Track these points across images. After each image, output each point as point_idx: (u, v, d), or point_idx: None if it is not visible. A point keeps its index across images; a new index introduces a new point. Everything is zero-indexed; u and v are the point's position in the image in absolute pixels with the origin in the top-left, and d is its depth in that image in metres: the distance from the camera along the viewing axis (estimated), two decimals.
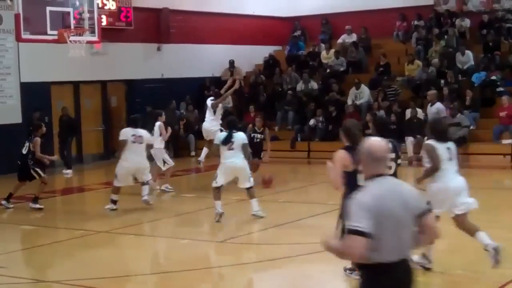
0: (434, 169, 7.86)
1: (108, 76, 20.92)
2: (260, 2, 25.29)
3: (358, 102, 20.44)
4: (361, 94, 20.58)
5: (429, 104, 16.92)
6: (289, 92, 21.84)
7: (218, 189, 11.14)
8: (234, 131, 11.13)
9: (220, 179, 11.10)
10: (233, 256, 9.57)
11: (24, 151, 12.72)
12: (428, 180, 8.07)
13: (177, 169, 19.53)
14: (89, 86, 20.80)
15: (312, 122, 20.31)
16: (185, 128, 21.37)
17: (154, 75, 22.01)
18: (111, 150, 18.81)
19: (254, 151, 13.53)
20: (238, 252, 9.80)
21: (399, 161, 7.44)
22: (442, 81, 20.06)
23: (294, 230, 10.81)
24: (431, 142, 8.04)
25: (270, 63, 24.51)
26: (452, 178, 8.01)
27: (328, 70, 22.89)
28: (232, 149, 10.96)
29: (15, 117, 18.32)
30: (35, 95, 18.52)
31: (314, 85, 22.04)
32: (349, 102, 20.52)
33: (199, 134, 21.54)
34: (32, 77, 18.65)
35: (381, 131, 7.62)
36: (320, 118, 20.16)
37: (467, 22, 22.42)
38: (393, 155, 7.26)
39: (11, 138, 17.38)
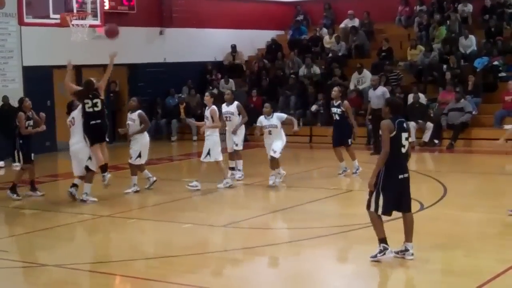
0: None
1: None
2: None
3: (360, 87, 20.43)
4: (364, 79, 20.56)
5: (372, 88, 17.10)
6: (292, 76, 21.83)
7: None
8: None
9: None
10: (235, 241, 9.60)
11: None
12: None
13: (179, 153, 19.68)
14: (92, 70, 20.73)
15: (314, 107, 20.31)
16: (186, 112, 21.38)
17: (156, 59, 22.01)
18: (116, 133, 18.80)
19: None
20: (240, 236, 9.83)
21: (410, 139, 7.95)
22: (445, 66, 20.03)
23: (297, 215, 10.85)
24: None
25: (273, 47, 24.47)
26: None
27: (330, 55, 22.85)
28: None
29: (17, 100, 18.29)
30: (37, 79, 18.53)
31: (316, 69, 22.02)
32: (352, 86, 20.51)
33: (200, 119, 21.58)
34: (34, 61, 18.64)
35: (396, 111, 7.91)
36: (321, 102, 20.14)
37: (469, 7, 22.33)
38: (406, 135, 7.83)
39: (14, 122, 17.41)
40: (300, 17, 25.51)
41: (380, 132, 7.87)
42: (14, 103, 18.09)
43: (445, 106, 18.32)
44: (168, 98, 22.22)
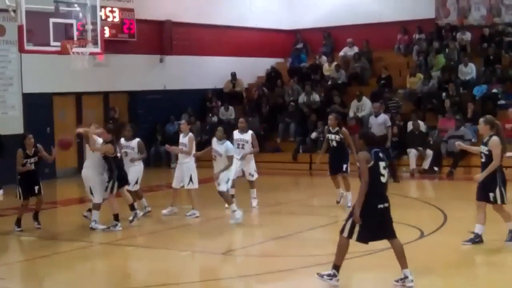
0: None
1: (111, 87, 20.97)
2: (262, 15, 25.37)
3: (360, 115, 20.46)
4: (363, 107, 20.60)
5: (374, 115, 17.04)
6: (292, 104, 21.87)
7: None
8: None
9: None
10: (233, 268, 9.54)
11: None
12: None
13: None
14: (92, 97, 20.84)
15: (314, 135, 20.33)
16: None
17: (156, 86, 22.08)
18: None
19: None
20: (238, 264, 9.77)
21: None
22: (444, 94, 20.09)
23: (296, 242, 10.79)
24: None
25: (272, 75, 24.57)
26: None
27: (329, 82, 22.93)
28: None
29: (17, 128, 18.33)
30: (37, 106, 18.56)
31: (316, 97, 22.08)
32: (351, 114, 20.55)
33: (201, 146, 21.58)
34: (34, 88, 18.70)
35: (371, 143, 8.03)
36: (320, 130, 20.15)
37: (468, 36, 22.48)
38: (384, 164, 7.90)
39: (13, 149, 17.39)
40: (300, 45, 25.65)
41: (358, 163, 7.93)
42: (14, 130, 18.15)
43: (444, 133, 18.34)
44: (168, 125, 22.24)
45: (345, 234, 7.96)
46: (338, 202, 13.56)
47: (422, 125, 18.68)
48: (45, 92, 19.06)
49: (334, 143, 13.47)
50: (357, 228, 7.85)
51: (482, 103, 19.55)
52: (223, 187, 12.08)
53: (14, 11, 12.66)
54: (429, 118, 19.80)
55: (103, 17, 18.92)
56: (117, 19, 20.69)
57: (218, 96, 23.71)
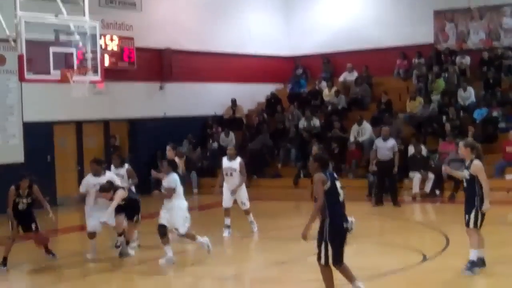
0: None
1: (111, 115, 21.00)
2: (261, 42, 25.49)
3: (360, 139, 20.47)
4: (363, 131, 20.62)
5: (382, 138, 16.87)
6: (293, 129, 21.87)
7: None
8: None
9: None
10: None
11: None
12: None
13: None
14: (92, 125, 20.86)
15: None
16: (186, 165, 21.35)
17: (156, 113, 22.12)
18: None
19: None
20: None
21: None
22: (444, 118, 20.11)
23: (298, 268, 10.73)
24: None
25: (272, 101, 24.63)
26: None
27: (329, 108, 22.98)
28: None
29: (18, 156, 18.34)
30: (37, 135, 18.58)
31: (316, 122, 22.11)
32: (351, 139, 20.56)
33: (202, 172, 21.62)
34: (34, 117, 18.72)
35: (325, 166, 8.13)
36: None
37: (467, 60, 22.56)
38: (339, 183, 8.05)
39: (13, 178, 17.37)
40: (299, 71, 25.74)
41: (314, 186, 8.05)
42: (15, 159, 18.16)
43: (445, 156, 18.30)
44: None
45: (322, 261, 7.98)
46: None
47: (423, 149, 18.67)
48: (46, 121, 19.07)
49: None
50: (330, 252, 7.91)
51: (483, 126, 19.57)
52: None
53: (14, 40, 12.70)
54: (430, 141, 19.80)
55: (103, 46, 19.02)
56: (116, 48, 20.79)
57: (219, 122, 23.75)
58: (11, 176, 17.33)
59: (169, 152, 13.39)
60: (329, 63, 25.52)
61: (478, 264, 9.48)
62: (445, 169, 10.82)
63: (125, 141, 21.90)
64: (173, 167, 11.60)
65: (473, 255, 9.47)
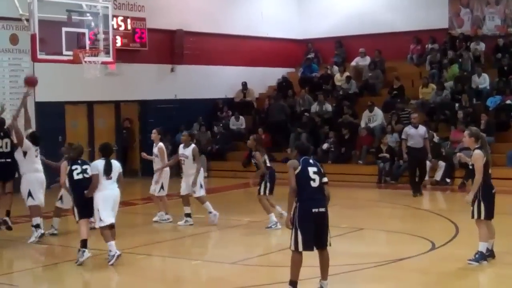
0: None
1: (122, 96, 21.02)
2: (273, 24, 25.37)
3: (371, 125, 20.39)
4: (375, 117, 20.53)
5: (412, 126, 16.55)
6: (306, 114, 21.76)
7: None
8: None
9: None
10: (243, 278, 9.49)
11: None
12: None
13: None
14: (103, 106, 20.89)
15: (325, 146, 20.27)
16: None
17: (167, 95, 22.10)
18: (126, 169, 18.81)
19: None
20: (248, 274, 9.72)
21: (324, 179, 8.14)
22: (457, 105, 19.98)
23: (307, 253, 10.67)
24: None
25: (283, 85, 24.53)
26: None
27: (341, 93, 22.88)
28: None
29: None
30: (49, 115, 18.60)
31: (328, 107, 22.02)
32: (362, 124, 20.48)
33: (212, 155, 21.62)
34: (46, 97, 18.73)
35: (304, 154, 8.23)
36: (331, 140, 20.10)
37: (482, 46, 22.36)
38: (315, 169, 8.08)
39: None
40: (311, 55, 25.61)
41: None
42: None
43: (457, 145, 18.21)
44: (178, 135, 22.22)
45: (291, 247, 7.99)
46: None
47: (435, 136, 18.56)
48: (58, 101, 19.12)
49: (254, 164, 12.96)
50: (300, 238, 7.90)
51: (496, 114, 19.44)
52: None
53: (27, 20, 12.73)
54: (442, 129, 19.69)
55: (115, 26, 18.96)
56: (129, 28, 20.77)
57: (229, 105, 23.72)
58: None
59: (154, 135, 13.48)
60: (341, 47, 25.36)
61: (486, 255, 9.44)
62: (460, 155, 10.74)
63: (136, 123, 21.92)
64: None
65: (481, 246, 9.43)
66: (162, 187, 13.30)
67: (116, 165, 10.18)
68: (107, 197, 9.99)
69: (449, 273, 9.22)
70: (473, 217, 9.44)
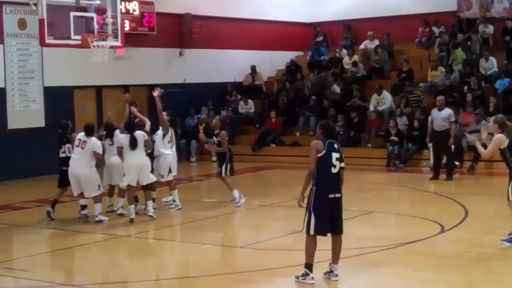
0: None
1: (131, 80, 21.02)
2: (282, 8, 25.29)
3: (380, 108, 20.36)
4: (383, 100, 20.50)
5: (437, 108, 16.36)
6: (312, 97, 21.74)
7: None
8: None
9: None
10: (254, 262, 9.54)
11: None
12: None
13: (198, 174, 19.68)
14: (112, 90, 20.91)
15: None
16: (205, 132, 21.39)
17: (176, 80, 22.10)
18: None
19: None
20: (259, 257, 9.77)
21: (342, 164, 7.97)
22: (465, 88, 19.92)
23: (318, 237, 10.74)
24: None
25: (292, 68, 24.50)
26: None
27: (349, 75, 22.82)
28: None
29: (39, 121, 18.46)
30: (58, 99, 18.65)
31: (336, 88, 21.98)
32: (371, 108, 20.45)
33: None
34: (55, 81, 18.80)
35: (329, 135, 8.06)
36: (340, 124, 20.07)
37: (490, 29, 22.24)
38: (337, 155, 7.93)
39: (35, 142, 17.55)
40: (320, 38, 25.54)
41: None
42: (36, 123, 18.28)
43: (465, 127, 18.17)
44: (187, 119, 22.28)
45: (304, 230, 7.99)
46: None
47: None
48: (66, 86, 19.16)
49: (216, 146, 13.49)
50: (313, 222, 7.88)
51: (504, 97, 19.37)
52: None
53: (35, 4, 12.74)
54: None
55: (123, 11, 18.95)
56: (137, 13, 20.75)
57: (238, 89, 23.71)
58: (31, 140, 17.66)
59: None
60: (350, 30, 25.27)
61: None
62: (469, 137, 10.74)
63: (144, 107, 21.89)
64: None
65: None
66: (170, 171, 13.26)
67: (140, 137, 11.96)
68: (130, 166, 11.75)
69: (459, 256, 9.24)
70: (508, 198, 9.52)
